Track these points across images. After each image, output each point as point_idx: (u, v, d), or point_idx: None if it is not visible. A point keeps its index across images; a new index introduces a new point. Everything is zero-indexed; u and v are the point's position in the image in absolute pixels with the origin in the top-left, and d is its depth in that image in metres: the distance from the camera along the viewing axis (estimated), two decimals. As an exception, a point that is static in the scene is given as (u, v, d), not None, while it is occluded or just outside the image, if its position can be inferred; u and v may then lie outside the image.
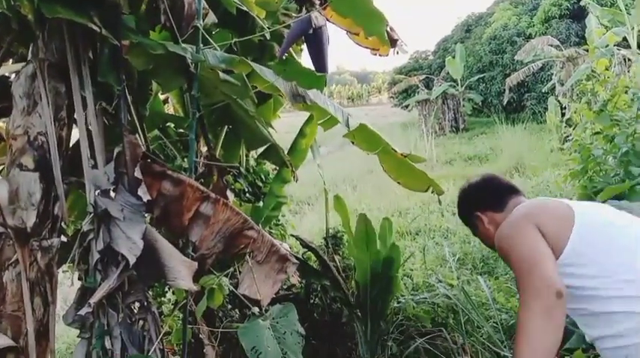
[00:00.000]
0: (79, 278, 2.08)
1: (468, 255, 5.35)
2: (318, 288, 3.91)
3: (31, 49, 2.03)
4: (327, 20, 2.96)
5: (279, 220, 4.32)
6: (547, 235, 1.60)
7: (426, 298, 3.72)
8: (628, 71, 10.95)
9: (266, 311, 2.30)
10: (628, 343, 1.49)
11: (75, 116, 2.08)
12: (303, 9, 2.89)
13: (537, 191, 7.89)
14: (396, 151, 2.92)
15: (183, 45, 2.17)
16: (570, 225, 1.62)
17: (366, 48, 3.54)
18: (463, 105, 23.17)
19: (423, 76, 24.88)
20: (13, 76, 2.41)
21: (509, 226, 1.71)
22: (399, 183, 3.09)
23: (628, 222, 1.70)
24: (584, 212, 1.69)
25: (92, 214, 1.94)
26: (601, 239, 1.62)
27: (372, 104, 66.90)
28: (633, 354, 1.48)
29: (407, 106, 26.18)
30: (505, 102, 20.41)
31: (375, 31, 2.78)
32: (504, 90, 19.75)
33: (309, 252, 3.88)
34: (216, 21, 2.55)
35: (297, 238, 3.89)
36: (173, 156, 3.76)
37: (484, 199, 1.97)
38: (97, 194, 1.97)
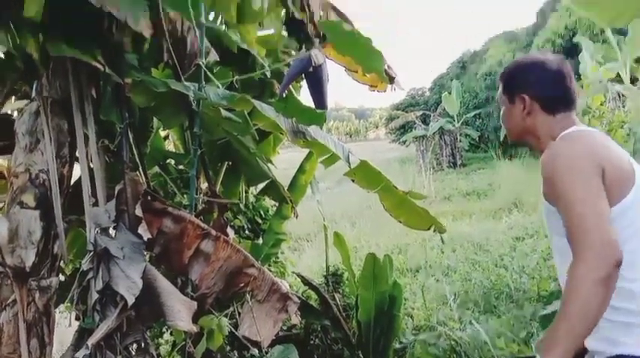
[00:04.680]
0: (76, 319, 2.04)
1: (470, 292, 5.28)
2: (319, 328, 3.83)
3: (35, 86, 2.05)
4: (327, 58, 3.00)
5: (278, 257, 4.28)
6: (607, 184, 1.45)
7: (427, 340, 3.65)
8: (623, 106, 11.07)
9: (266, 352, 2.24)
10: None
11: (77, 153, 2.08)
12: (303, 47, 2.94)
13: (536, 227, 7.85)
14: (397, 189, 2.91)
15: (186, 83, 2.19)
16: (630, 183, 1.50)
17: (365, 84, 3.60)
18: (460, 141, 23.33)
19: (420, 112, 25.12)
20: (15, 113, 2.44)
21: (570, 162, 1.48)
22: (400, 221, 3.06)
23: None
24: None
25: (92, 253, 1.91)
26: None
27: (369, 139, 67.46)
28: None
29: (404, 142, 26.35)
30: (502, 138, 20.56)
31: (374, 69, 2.82)
32: (501, 125, 19.91)
33: (309, 290, 3.83)
34: (218, 59, 2.58)
35: (298, 275, 3.85)
36: (173, 192, 3.75)
37: (542, 90, 1.69)
38: (97, 232, 1.95)
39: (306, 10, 2.49)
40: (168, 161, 3.67)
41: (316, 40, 2.80)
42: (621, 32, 11.38)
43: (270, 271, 3.99)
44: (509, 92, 1.75)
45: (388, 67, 3.26)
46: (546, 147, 1.61)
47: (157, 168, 3.54)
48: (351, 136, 74.61)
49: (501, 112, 1.81)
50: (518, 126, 1.73)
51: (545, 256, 6.02)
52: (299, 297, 2.96)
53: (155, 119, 2.83)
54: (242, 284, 2.23)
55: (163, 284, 1.99)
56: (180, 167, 3.69)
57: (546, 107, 1.67)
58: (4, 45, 2.10)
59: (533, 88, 1.68)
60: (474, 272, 6.01)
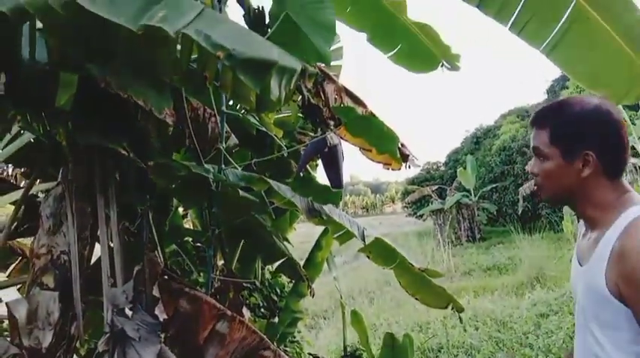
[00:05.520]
0: (88, 403, 2.00)
1: (495, 373, 5.08)
2: (336, 413, 3.68)
3: (61, 171, 2.13)
4: (342, 139, 3.10)
5: (294, 337, 4.19)
6: None
7: None
8: (641, 179, 11.01)
9: None
10: None
11: (98, 234, 2.13)
12: (319, 129, 3.05)
13: (560, 303, 7.61)
14: (412, 266, 2.89)
15: (206, 165, 2.27)
16: None
17: (379, 163, 3.67)
18: (478, 215, 23.15)
19: (436, 186, 25.21)
20: (41, 194, 2.53)
21: None
22: (417, 299, 3.02)
23: None
24: None
25: (108, 334, 1.91)
26: None
27: (386, 213, 67.37)
28: None
29: (421, 216, 26.24)
30: (520, 212, 20.38)
31: (387, 149, 2.89)
32: (518, 199, 19.83)
33: (327, 372, 3.71)
34: (238, 142, 2.69)
35: (315, 357, 3.75)
36: (189, 270, 3.76)
37: (609, 149, 1.37)
38: (114, 313, 1.95)
39: (321, 95, 2.61)
40: (185, 239, 3.71)
41: (331, 122, 2.91)
42: (633, 107, 11.56)
43: (287, 352, 3.91)
44: (567, 145, 1.39)
45: (402, 145, 3.33)
46: (608, 221, 1.34)
47: (174, 246, 3.57)
48: (367, 210, 74.71)
49: (543, 166, 1.45)
50: (568, 187, 1.41)
51: (570, 334, 5.79)
52: (315, 380, 2.88)
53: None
54: (257, 367, 2.19)
55: (177, 367, 1.96)
56: (198, 244, 3.73)
57: (608, 171, 1.38)
58: (34, 133, 2.23)
59: (601, 144, 1.37)
60: (498, 352, 5.79)
